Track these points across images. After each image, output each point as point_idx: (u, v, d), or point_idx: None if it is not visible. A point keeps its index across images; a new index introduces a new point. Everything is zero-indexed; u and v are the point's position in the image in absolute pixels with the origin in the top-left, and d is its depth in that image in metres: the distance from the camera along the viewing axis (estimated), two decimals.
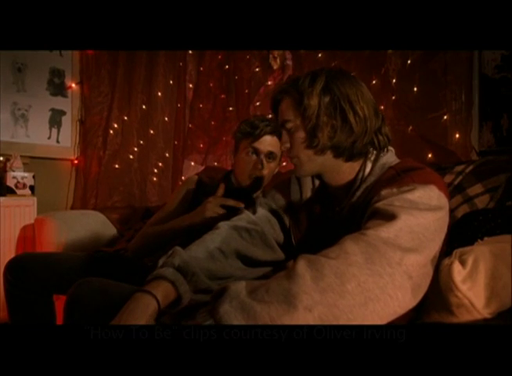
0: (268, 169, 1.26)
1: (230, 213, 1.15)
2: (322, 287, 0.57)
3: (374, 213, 0.69)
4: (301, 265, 0.61)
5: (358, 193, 0.80)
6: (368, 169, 0.81)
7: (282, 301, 0.57)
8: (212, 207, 1.16)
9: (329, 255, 0.62)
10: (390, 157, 0.83)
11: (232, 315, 0.57)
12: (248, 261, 0.88)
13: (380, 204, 0.69)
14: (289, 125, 0.83)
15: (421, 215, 0.66)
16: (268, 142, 1.25)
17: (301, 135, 0.81)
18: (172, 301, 0.75)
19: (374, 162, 0.82)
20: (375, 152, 0.83)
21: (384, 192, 0.72)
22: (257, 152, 1.25)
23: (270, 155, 1.26)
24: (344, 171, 0.83)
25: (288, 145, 0.84)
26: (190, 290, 0.77)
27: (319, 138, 0.79)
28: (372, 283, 0.58)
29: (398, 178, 0.74)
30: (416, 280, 0.62)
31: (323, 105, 0.79)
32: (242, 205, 1.15)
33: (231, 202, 1.16)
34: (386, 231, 0.63)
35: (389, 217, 0.65)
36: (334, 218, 0.84)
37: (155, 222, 1.37)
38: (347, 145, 0.80)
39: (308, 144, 0.81)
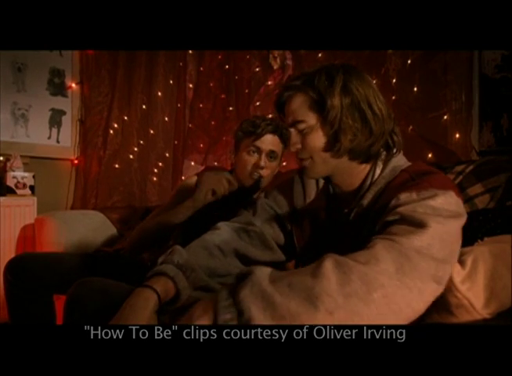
0: (270, 168, 1.27)
1: (230, 198, 1.17)
2: (348, 292, 0.56)
3: (399, 219, 0.66)
4: (328, 266, 0.58)
5: (369, 195, 0.78)
6: (378, 171, 0.79)
7: (303, 298, 0.55)
8: (208, 177, 1.18)
9: (358, 259, 0.60)
10: (400, 160, 0.81)
11: (251, 300, 0.56)
12: (247, 260, 0.87)
13: (402, 210, 0.67)
14: (302, 126, 0.78)
15: (446, 222, 0.64)
16: (269, 141, 1.25)
17: (318, 137, 0.77)
18: (172, 297, 0.75)
19: (385, 164, 0.80)
20: (384, 153, 0.81)
21: (402, 196, 0.69)
22: (258, 151, 1.25)
23: (272, 154, 1.26)
24: (357, 173, 0.81)
25: (299, 146, 0.80)
26: (189, 286, 0.77)
27: (342, 142, 0.76)
28: (400, 296, 0.57)
29: (412, 182, 0.72)
30: (441, 289, 0.62)
31: (345, 106, 0.75)
32: (236, 185, 1.17)
33: (228, 176, 1.17)
34: (419, 239, 0.61)
35: (418, 224, 0.63)
36: (341, 220, 0.83)
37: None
38: (364, 147, 0.77)
39: (328, 147, 0.77)
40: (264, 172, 1.25)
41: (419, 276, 0.59)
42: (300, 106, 0.79)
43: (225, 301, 0.59)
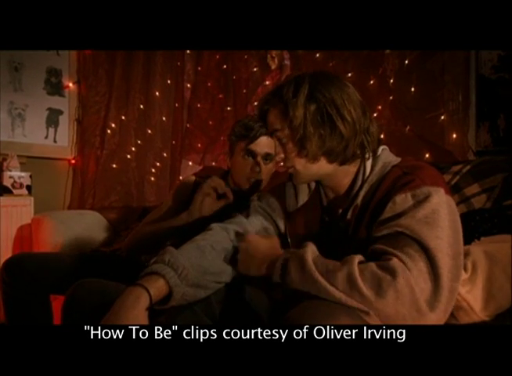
0: (266, 171, 1.24)
1: (221, 198, 1.15)
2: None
3: (400, 240, 0.67)
4: (366, 281, 0.63)
5: (362, 193, 0.80)
6: (368, 169, 0.81)
7: (331, 293, 0.64)
8: (205, 187, 1.15)
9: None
10: (388, 156, 0.83)
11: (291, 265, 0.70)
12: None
13: (403, 223, 0.68)
14: (279, 135, 0.83)
15: (443, 228, 0.67)
16: (264, 144, 1.21)
17: (292, 144, 0.82)
18: (165, 295, 0.76)
19: (373, 161, 0.82)
20: (370, 151, 0.82)
21: (398, 199, 0.72)
22: (253, 154, 1.22)
23: (267, 156, 1.22)
24: (344, 174, 0.83)
25: (282, 155, 0.84)
26: (182, 284, 0.77)
27: (308, 148, 0.79)
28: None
29: (405, 177, 0.75)
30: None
31: (309, 114, 0.78)
32: (231, 198, 1.14)
33: (226, 190, 1.14)
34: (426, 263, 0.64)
35: (423, 251, 0.65)
36: (336, 220, 0.84)
37: (150, 221, 1.36)
38: (339, 150, 0.80)
39: (301, 154, 0.81)
40: (260, 176, 1.22)
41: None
42: (275, 118, 0.84)
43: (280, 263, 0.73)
